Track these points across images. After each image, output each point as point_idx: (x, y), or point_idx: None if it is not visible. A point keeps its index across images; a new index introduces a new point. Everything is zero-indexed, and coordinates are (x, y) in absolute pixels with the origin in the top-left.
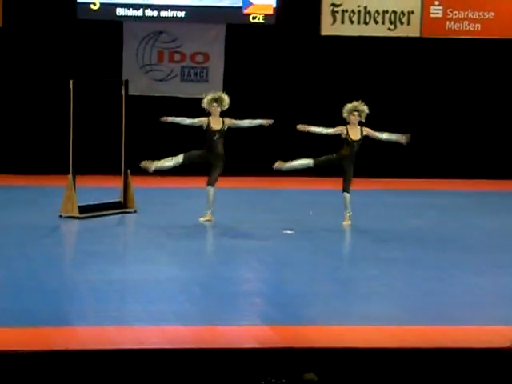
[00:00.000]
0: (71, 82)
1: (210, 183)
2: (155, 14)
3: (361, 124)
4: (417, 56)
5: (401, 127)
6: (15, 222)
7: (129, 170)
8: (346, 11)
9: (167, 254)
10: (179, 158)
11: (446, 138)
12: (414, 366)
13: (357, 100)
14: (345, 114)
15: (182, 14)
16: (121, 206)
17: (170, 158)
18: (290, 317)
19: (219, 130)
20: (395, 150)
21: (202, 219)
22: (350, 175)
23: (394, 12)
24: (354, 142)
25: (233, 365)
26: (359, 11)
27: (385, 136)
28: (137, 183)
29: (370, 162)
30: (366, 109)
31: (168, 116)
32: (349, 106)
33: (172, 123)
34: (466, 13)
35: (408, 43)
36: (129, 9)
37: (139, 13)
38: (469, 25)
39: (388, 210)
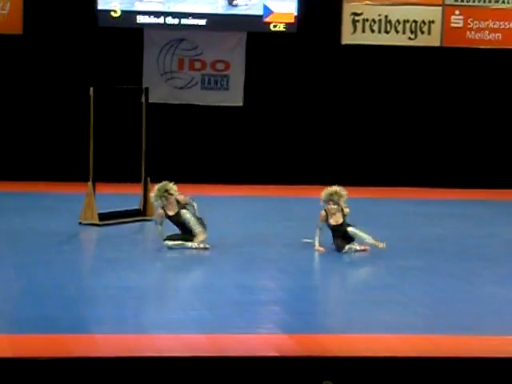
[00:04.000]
0: (91, 89)
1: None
2: (176, 21)
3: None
4: (437, 65)
5: (421, 136)
6: (35, 228)
7: (149, 178)
8: (367, 20)
9: (185, 262)
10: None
11: (467, 147)
12: (433, 376)
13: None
14: (322, 203)
15: (202, 21)
16: (140, 214)
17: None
18: (308, 325)
19: (175, 215)
20: (413, 159)
21: (206, 245)
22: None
23: (415, 21)
24: (335, 226)
25: (251, 373)
26: (380, 20)
27: (355, 233)
28: None
29: (388, 170)
30: (343, 195)
31: None
32: (323, 194)
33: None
34: (486, 22)
35: (428, 53)
36: (150, 16)
37: (160, 20)
38: (489, 34)
39: (406, 219)
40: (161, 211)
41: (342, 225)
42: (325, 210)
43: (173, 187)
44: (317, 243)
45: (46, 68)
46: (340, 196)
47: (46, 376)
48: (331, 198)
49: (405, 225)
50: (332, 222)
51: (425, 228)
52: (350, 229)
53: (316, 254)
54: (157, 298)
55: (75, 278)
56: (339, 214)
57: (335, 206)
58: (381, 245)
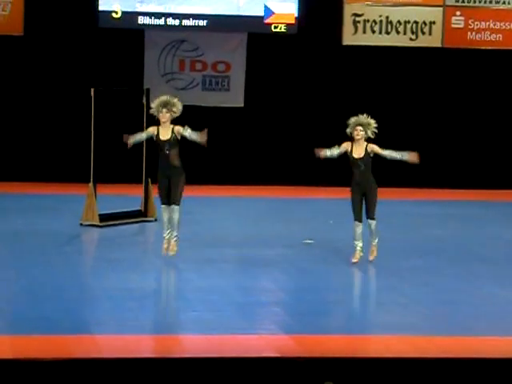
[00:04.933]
0: (92, 90)
1: (174, 202)
2: (177, 22)
3: (368, 140)
4: (438, 66)
5: (421, 137)
6: (36, 229)
7: (149, 179)
8: (368, 21)
9: (187, 263)
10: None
11: (468, 148)
12: (434, 376)
13: (373, 110)
14: (348, 130)
15: (203, 22)
16: (141, 215)
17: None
18: (309, 326)
19: (168, 141)
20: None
21: (170, 253)
22: (372, 199)
23: (416, 22)
24: (357, 160)
25: (252, 374)
26: (381, 21)
27: (391, 154)
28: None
29: (389, 171)
30: (372, 122)
31: (127, 138)
32: (352, 120)
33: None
34: (487, 23)
35: (429, 53)
36: (150, 17)
37: (161, 21)
38: (490, 35)
39: (409, 220)
40: (152, 129)
41: (362, 159)
42: (350, 142)
43: (177, 104)
44: (328, 153)
45: (46, 69)
46: (369, 122)
47: (47, 377)
48: (360, 123)
49: (405, 226)
50: (354, 154)
51: (425, 229)
52: (384, 152)
53: (317, 253)
54: (157, 299)
55: (76, 279)
56: (363, 148)
57: (362, 133)
58: (412, 157)
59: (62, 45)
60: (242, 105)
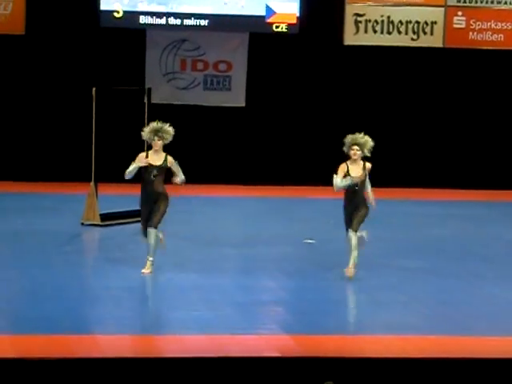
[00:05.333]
0: (94, 89)
1: (151, 225)
2: (178, 22)
3: (365, 159)
4: (439, 66)
5: (423, 137)
6: (37, 229)
7: None
8: (369, 21)
9: (188, 262)
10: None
11: (469, 148)
12: (434, 376)
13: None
14: (345, 149)
15: (205, 22)
16: None
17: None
18: (310, 326)
19: (158, 167)
20: (415, 160)
21: (143, 270)
22: (361, 214)
23: (417, 22)
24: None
25: (253, 374)
26: (382, 21)
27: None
28: None
29: (390, 171)
30: (369, 141)
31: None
32: (348, 139)
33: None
34: (488, 23)
35: (431, 53)
36: (152, 17)
37: (162, 21)
38: (491, 35)
39: (409, 220)
40: (143, 155)
41: (360, 178)
42: (345, 163)
43: (169, 131)
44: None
45: (48, 68)
46: (366, 142)
47: (48, 376)
48: (357, 142)
49: (406, 225)
50: (352, 174)
51: (426, 229)
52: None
53: (318, 253)
54: (159, 299)
55: (77, 278)
56: (360, 166)
57: (359, 152)
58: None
59: (64, 44)
60: (244, 104)
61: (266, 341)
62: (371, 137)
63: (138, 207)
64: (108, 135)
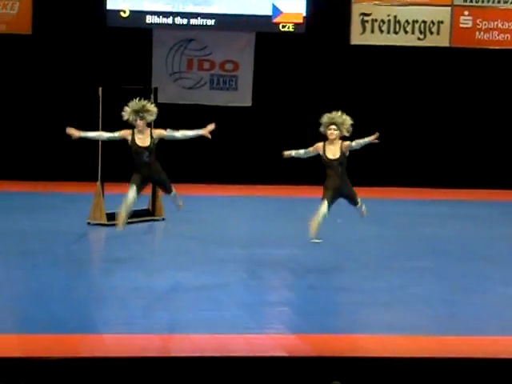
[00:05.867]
0: (100, 89)
1: (168, 192)
2: (185, 21)
3: (343, 139)
4: (446, 66)
5: (429, 136)
6: (44, 228)
7: None
8: (376, 20)
9: (195, 262)
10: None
11: (474, 148)
12: (441, 377)
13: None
14: (321, 129)
15: (211, 22)
16: (149, 214)
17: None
18: (317, 326)
19: (148, 147)
20: (420, 160)
21: (179, 203)
22: (353, 191)
23: (424, 22)
24: (332, 161)
25: (260, 374)
26: (389, 20)
27: (359, 141)
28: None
29: (394, 170)
30: (347, 120)
31: (75, 130)
32: (325, 118)
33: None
34: (495, 23)
35: (437, 53)
36: (158, 16)
37: (169, 20)
38: (498, 35)
39: (411, 220)
40: (127, 132)
41: (338, 160)
42: (323, 142)
43: (151, 110)
44: (293, 153)
45: (55, 68)
46: (343, 120)
47: (54, 376)
48: (334, 121)
49: (409, 225)
50: (329, 155)
51: (429, 229)
52: (352, 143)
53: (324, 253)
54: (165, 299)
55: (83, 278)
56: (337, 147)
57: (336, 132)
58: (373, 138)
59: (70, 44)
60: (250, 104)
61: (272, 340)
62: (379, 136)
63: (144, 206)
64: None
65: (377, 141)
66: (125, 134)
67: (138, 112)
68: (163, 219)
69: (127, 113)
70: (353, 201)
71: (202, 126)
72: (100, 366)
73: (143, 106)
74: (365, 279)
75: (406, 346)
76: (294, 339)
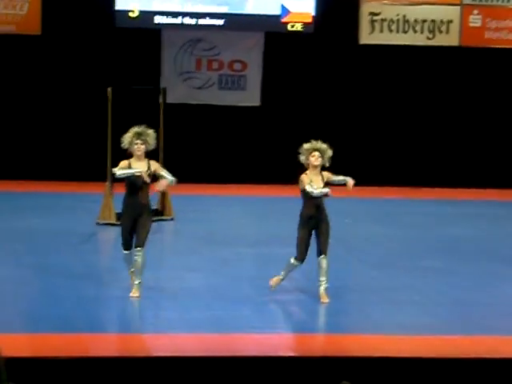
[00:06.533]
0: (109, 89)
1: (139, 244)
2: (193, 21)
3: (322, 169)
4: (455, 65)
5: (441, 135)
6: (53, 228)
7: None
8: (385, 20)
9: (203, 262)
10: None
11: (487, 147)
12: (451, 376)
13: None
14: (302, 157)
15: (220, 22)
16: (158, 214)
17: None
18: (326, 325)
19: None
20: (429, 159)
21: (131, 294)
22: (327, 233)
23: (433, 21)
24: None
25: (268, 373)
26: (398, 20)
27: (339, 178)
28: (174, 191)
29: (405, 169)
30: (328, 149)
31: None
32: (307, 145)
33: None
34: (505, 22)
35: (447, 52)
36: (167, 17)
37: (177, 21)
38: (508, 34)
39: (422, 219)
40: (124, 164)
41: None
42: (305, 173)
43: (152, 135)
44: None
45: (64, 68)
46: (326, 150)
47: (64, 376)
48: (318, 148)
49: (420, 225)
50: (314, 184)
51: (440, 228)
52: (338, 178)
53: (339, 253)
54: (174, 298)
55: (93, 277)
56: (319, 177)
57: (320, 159)
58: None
59: (79, 44)
60: (259, 104)
61: (282, 340)
62: (386, 136)
63: (153, 206)
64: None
65: (351, 187)
66: (123, 165)
67: (140, 135)
68: (172, 219)
69: (127, 137)
70: (322, 246)
71: (211, 125)
72: (109, 365)
73: (144, 131)
74: (374, 278)
75: (417, 346)
76: (302, 339)
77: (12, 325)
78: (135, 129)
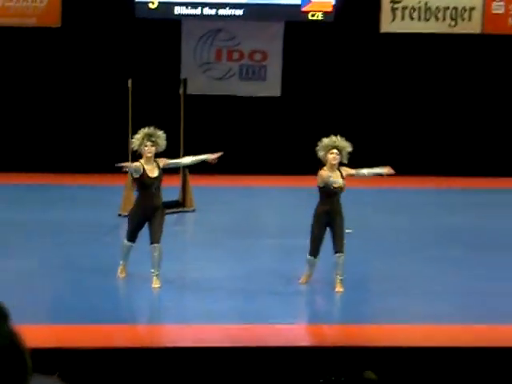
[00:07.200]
0: (130, 81)
1: (156, 241)
2: (213, 12)
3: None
4: (478, 53)
5: (461, 123)
6: (77, 220)
7: (187, 169)
8: (406, 8)
9: (225, 253)
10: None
11: (502, 136)
12: (472, 365)
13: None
14: (320, 153)
15: (240, 11)
16: (179, 205)
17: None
18: (348, 315)
19: (157, 178)
20: (444, 148)
21: (154, 285)
22: (342, 228)
23: (455, 8)
24: (337, 189)
25: (291, 363)
26: (419, 8)
27: (366, 172)
28: (195, 182)
29: (423, 159)
30: (348, 146)
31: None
32: (325, 141)
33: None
34: None
35: (469, 40)
36: (187, 7)
37: (197, 11)
38: None
39: (440, 209)
40: (138, 164)
41: (341, 188)
42: (323, 169)
43: (162, 136)
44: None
45: (84, 60)
46: (344, 147)
47: (89, 366)
48: (336, 145)
49: (434, 215)
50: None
51: (463, 217)
52: (358, 171)
53: (355, 243)
54: (196, 289)
55: (116, 269)
56: (337, 173)
57: (338, 156)
58: (385, 170)
59: (100, 36)
60: (279, 94)
61: (304, 330)
62: (407, 125)
63: (175, 197)
64: (144, 126)
65: (391, 172)
66: (138, 166)
67: (150, 136)
68: (193, 210)
69: (137, 138)
70: (337, 243)
71: (231, 116)
72: (133, 356)
73: (154, 132)
74: (394, 269)
75: (438, 335)
76: (325, 329)
77: (37, 316)
78: (145, 130)
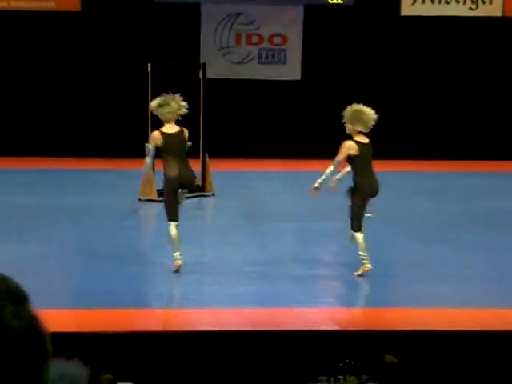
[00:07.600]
0: (149, 65)
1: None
2: None
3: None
4: (499, 36)
5: (484, 108)
6: (96, 204)
7: (207, 154)
8: None
9: (245, 237)
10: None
11: None
12: (494, 349)
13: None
14: (347, 123)
15: None
16: (199, 190)
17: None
18: (369, 299)
19: (179, 134)
20: (473, 132)
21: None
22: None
23: None
24: (364, 145)
25: (311, 347)
26: None
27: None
28: (215, 167)
29: (450, 143)
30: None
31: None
32: (349, 110)
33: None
34: None
35: (490, 23)
36: None
37: None
38: None
39: (466, 192)
40: (157, 134)
41: (369, 144)
42: (354, 140)
43: (182, 103)
44: (320, 180)
45: (104, 45)
46: (372, 117)
47: (109, 350)
48: (361, 118)
49: (466, 198)
50: (362, 141)
51: (486, 201)
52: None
53: (376, 226)
54: (216, 273)
55: (135, 253)
56: (363, 136)
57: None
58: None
59: (119, 20)
60: (299, 78)
61: (324, 314)
62: (430, 108)
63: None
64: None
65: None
66: (155, 139)
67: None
68: (213, 194)
69: (156, 105)
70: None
71: (251, 100)
72: (154, 340)
73: (174, 98)
74: (418, 252)
75: (460, 319)
76: (346, 313)
77: (57, 300)
78: (163, 98)
